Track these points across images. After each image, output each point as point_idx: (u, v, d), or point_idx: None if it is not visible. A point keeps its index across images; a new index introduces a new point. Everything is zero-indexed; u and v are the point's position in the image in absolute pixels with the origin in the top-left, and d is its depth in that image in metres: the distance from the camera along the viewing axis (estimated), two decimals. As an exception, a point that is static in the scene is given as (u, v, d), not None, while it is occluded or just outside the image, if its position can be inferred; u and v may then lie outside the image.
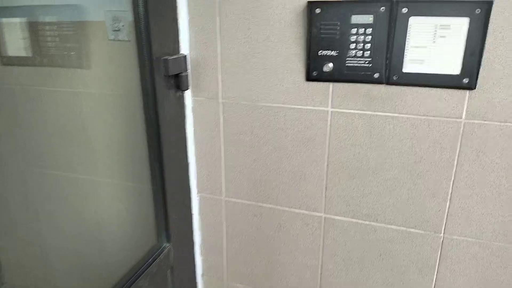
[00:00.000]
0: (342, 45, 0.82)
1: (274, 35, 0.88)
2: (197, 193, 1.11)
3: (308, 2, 0.81)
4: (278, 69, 0.90)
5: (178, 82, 0.95)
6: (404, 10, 0.75)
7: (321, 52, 0.84)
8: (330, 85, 0.87)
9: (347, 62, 0.83)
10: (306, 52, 0.86)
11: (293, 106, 0.92)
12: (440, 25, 0.73)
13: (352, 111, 0.87)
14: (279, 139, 0.96)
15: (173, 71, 0.92)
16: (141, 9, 0.84)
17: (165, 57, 0.89)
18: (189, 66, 0.99)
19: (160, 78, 0.89)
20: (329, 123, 0.90)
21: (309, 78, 0.88)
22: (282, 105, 0.93)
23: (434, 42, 0.74)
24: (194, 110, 1.03)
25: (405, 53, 0.77)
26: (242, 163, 1.02)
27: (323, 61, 0.85)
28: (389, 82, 0.81)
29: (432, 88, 0.78)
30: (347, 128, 0.88)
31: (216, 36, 0.94)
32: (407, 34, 0.76)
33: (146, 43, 0.86)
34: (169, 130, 0.95)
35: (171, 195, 0.99)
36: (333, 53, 0.83)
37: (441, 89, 0.78)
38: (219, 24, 0.93)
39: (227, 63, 0.95)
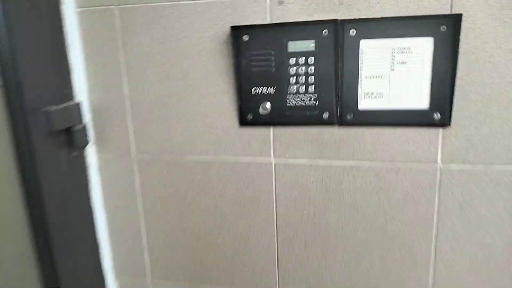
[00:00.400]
0: (280, 79, 0.65)
1: (194, 70, 0.70)
2: (115, 277, 0.86)
3: (232, 28, 0.64)
4: (203, 112, 0.71)
5: (71, 139, 0.72)
6: (352, 32, 0.60)
7: (255, 90, 0.67)
8: (270, 130, 0.69)
9: (288, 100, 0.66)
10: (236, 91, 0.68)
11: (227, 159, 0.73)
12: (398, 49, 0.59)
13: (300, 161, 0.69)
14: (213, 202, 0.75)
15: (61, 125, 0.70)
16: (4, 41, 0.62)
17: (47, 108, 0.67)
18: (88, 116, 0.77)
19: (42, 135, 0.67)
20: (274, 178, 0.71)
21: (243, 122, 0.69)
22: (213, 158, 0.73)
23: (393, 70, 0.59)
24: (101, 171, 0.80)
25: (359, 86, 0.62)
26: (169, 235, 0.80)
27: (258, 100, 0.67)
28: (343, 123, 0.64)
29: (397, 127, 0.63)
30: (296, 183, 0.70)
31: (121, 75, 0.74)
32: (360, 62, 0.61)
33: (17, 89, 0.64)
34: (60, 201, 0.71)
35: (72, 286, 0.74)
36: (270, 90, 0.66)
37: (408, 128, 0.62)
38: (124, 59, 0.73)
39: (138, 108, 0.75)
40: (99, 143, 0.79)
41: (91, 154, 0.79)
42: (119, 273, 0.86)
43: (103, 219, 0.83)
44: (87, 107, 0.77)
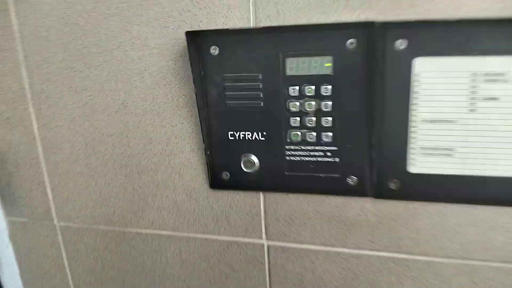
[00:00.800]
0: (273, 119, 0.41)
1: (135, 100, 0.46)
2: None
3: (189, 34, 0.39)
4: (154, 165, 0.48)
5: None
6: (401, 44, 0.35)
7: (233, 134, 0.42)
8: (260, 197, 0.45)
9: (288, 153, 0.41)
10: (204, 135, 0.43)
11: (193, 236, 0.49)
12: (485, 74, 0.34)
13: (309, 246, 0.45)
14: (174, 297, 0.52)
15: None
16: None
17: None
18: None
19: None
20: (267, 269, 0.48)
21: (217, 183, 0.46)
22: (172, 234, 0.50)
23: (473, 110, 0.35)
24: (13, 240, 0.58)
25: (410, 135, 0.37)
26: None
27: (238, 151, 0.43)
28: (382, 194, 0.40)
29: (477, 206, 0.39)
30: (304, 278, 0.47)
31: (27, 103, 0.49)
32: (412, 95, 0.36)
33: None
34: None
35: None
36: (257, 136, 0.42)
37: (496, 207, 0.38)
38: (27, 79, 0.48)
39: (55, 152, 0.51)
40: (8, 202, 0.56)
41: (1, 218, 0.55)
42: None
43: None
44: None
